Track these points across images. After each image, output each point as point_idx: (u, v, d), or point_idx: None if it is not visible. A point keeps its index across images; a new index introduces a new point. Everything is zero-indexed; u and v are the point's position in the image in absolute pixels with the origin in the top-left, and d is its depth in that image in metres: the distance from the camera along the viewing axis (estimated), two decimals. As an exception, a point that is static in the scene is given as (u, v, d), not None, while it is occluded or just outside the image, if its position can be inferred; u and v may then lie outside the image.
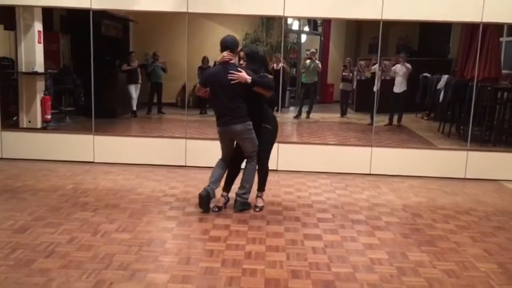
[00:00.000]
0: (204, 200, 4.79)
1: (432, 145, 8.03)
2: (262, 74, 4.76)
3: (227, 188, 5.04)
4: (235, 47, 4.80)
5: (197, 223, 4.58)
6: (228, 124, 4.71)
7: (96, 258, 3.68)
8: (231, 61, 4.72)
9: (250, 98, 4.71)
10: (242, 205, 4.93)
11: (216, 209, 4.92)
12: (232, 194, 5.03)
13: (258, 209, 5.00)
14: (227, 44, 4.72)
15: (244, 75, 4.58)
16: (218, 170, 4.94)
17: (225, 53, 4.69)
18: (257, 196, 5.09)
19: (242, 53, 4.90)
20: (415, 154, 6.94)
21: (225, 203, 5.02)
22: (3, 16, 7.06)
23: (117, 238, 4.09)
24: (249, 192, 4.96)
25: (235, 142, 4.95)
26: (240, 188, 4.95)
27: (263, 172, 5.04)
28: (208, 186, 4.84)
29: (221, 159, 5.01)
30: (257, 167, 4.98)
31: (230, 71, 4.60)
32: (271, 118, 5.02)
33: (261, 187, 5.10)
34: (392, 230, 4.59)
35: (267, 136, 4.93)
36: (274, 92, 5.07)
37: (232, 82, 4.58)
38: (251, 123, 4.75)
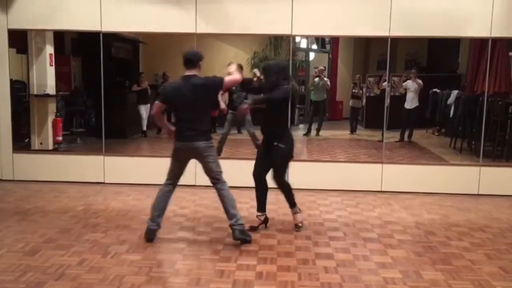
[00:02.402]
0: (150, 237, 4.54)
1: (444, 161, 7.95)
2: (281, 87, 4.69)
3: (262, 208, 4.92)
4: (196, 61, 4.52)
5: (207, 243, 4.55)
6: (191, 140, 4.41)
7: (106, 280, 3.66)
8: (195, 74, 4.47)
9: (274, 114, 4.71)
10: (242, 233, 4.49)
11: (251, 230, 4.77)
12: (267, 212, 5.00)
13: (297, 229, 4.92)
14: (188, 57, 4.52)
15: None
16: (163, 200, 4.59)
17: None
18: (293, 214, 4.96)
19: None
20: (427, 170, 6.87)
21: (263, 223, 4.91)
22: (15, 40, 7.18)
23: (127, 260, 4.07)
24: (240, 216, 4.52)
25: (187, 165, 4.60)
26: (230, 218, 4.49)
27: (284, 189, 4.86)
28: (151, 219, 4.53)
29: (165, 185, 4.61)
30: (273, 186, 4.85)
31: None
32: (287, 137, 4.86)
33: (291, 204, 4.93)
34: (405, 248, 4.52)
35: (279, 155, 4.75)
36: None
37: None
38: (213, 141, 4.55)
